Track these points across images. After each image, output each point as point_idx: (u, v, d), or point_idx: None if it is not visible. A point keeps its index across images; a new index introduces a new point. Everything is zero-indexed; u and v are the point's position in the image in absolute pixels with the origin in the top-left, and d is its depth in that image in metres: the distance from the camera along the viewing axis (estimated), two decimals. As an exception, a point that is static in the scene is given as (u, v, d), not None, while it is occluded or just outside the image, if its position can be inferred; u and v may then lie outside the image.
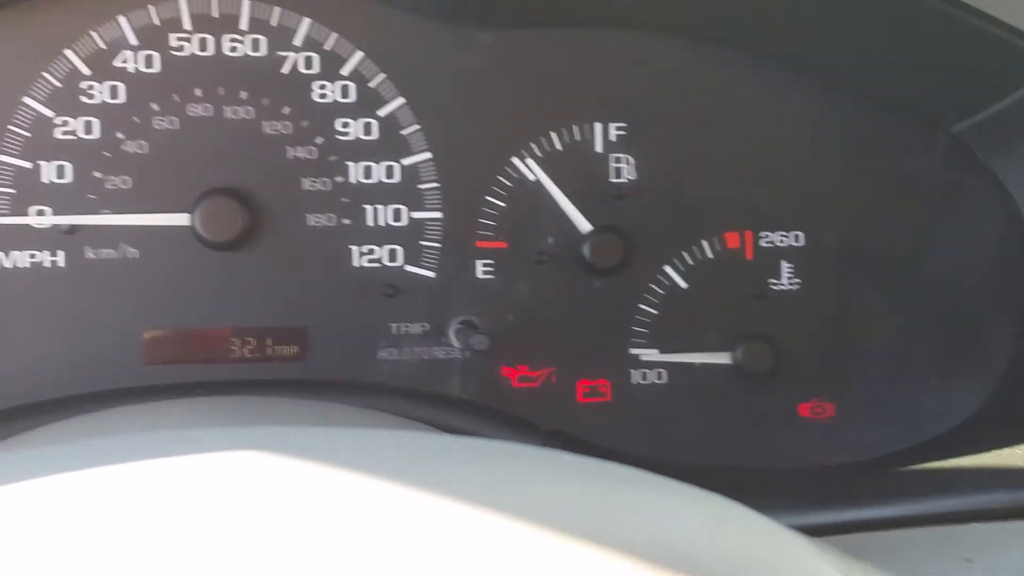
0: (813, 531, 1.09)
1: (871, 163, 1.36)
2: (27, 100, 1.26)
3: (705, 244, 1.34)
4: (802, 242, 1.35)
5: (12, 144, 1.26)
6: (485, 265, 1.32)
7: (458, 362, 1.32)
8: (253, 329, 1.30)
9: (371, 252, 1.31)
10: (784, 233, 1.35)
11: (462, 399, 1.31)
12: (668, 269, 1.33)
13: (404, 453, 0.63)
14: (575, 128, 1.33)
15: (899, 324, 1.36)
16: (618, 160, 1.33)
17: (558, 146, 1.33)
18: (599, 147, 1.33)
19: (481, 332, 1.27)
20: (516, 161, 1.32)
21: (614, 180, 1.33)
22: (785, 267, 1.35)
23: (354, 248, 1.31)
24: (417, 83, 1.31)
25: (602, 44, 1.33)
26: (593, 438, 1.30)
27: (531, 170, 1.32)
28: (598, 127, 1.33)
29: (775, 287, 1.35)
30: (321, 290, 1.31)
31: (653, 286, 1.34)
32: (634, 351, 1.34)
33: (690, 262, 1.34)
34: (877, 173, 1.36)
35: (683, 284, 1.33)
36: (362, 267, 1.31)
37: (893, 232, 1.36)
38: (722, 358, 1.34)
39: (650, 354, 1.33)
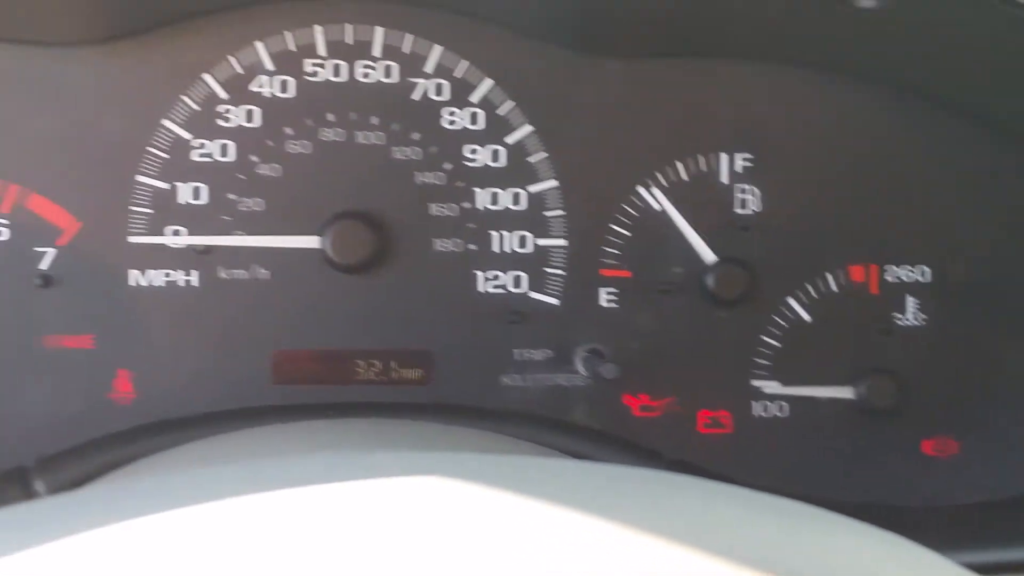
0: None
1: (1001, 197, 1.35)
2: (166, 122, 1.30)
3: (829, 277, 1.34)
4: (928, 277, 1.34)
5: (151, 165, 1.30)
6: (609, 293, 1.33)
7: (581, 390, 1.32)
8: (378, 351, 1.32)
9: (496, 278, 1.33)
10: (910, 268, 1.34)
11: (584, 426, 1.31)
12: (792, 301, 1.33)
13: (592, 484, 0.64)
14: (701, 158, 1.33)
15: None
16: (743, 191, 1.34)
17: (684, 176, 1.33)
18: (725, 178, 1.34)
19: (609, 361, 1.28)
20: (642, 190, 1.33)
21: (739, 211, 1.34)
22: (911, 302, 1.34)
23: (479, 274, 1.33)
24: (545, 111, 1.32)
25: (729, 75, 1.33)
26: (713, 468, 1.30)
27: (656, 199, 1.33)
28: (724, 158, 1.33)
29: (900, 322, 1.34)
30: (446, 314, 1.32)
31: (776, 318, 1.33)
32: (756, 383, 1.33)
33: (814, 295, 1.33)
34: (1007, 207, 1.34)
35: (807, 317, 1.33)
36: (487, 293, 1.33)
37: (1022, 266, 1.34)
38: (845, 392, 1.33)
39: (772, 386, 1.33)
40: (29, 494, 1.16)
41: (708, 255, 1.32)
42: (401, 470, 0.64)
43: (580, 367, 1.30)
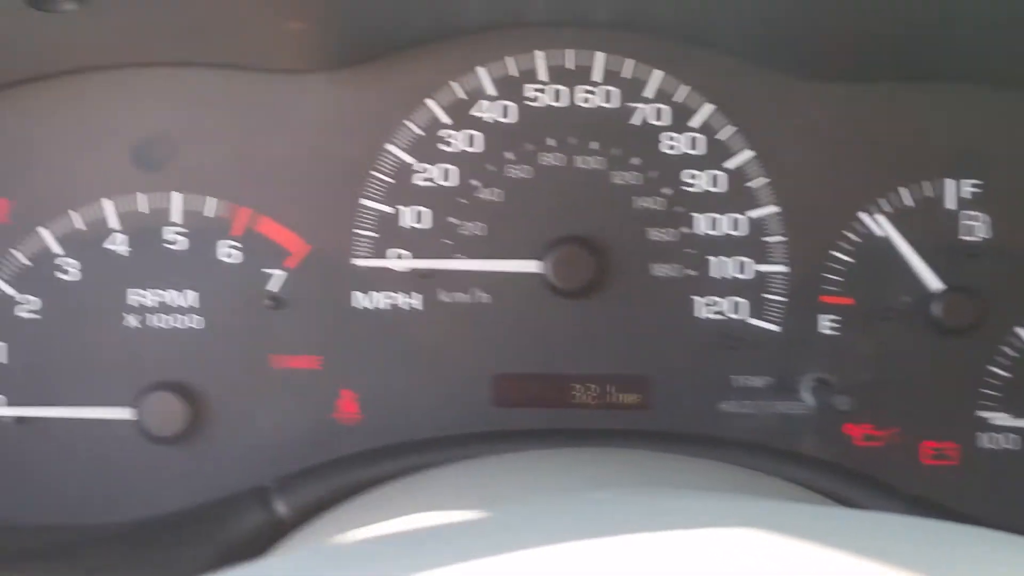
0: None
1: None
2: (390, 147, 1.32)
3: (1062, 306, 1.30)
4: None
5: (376, 190, 1.32)
6: (830, 320, 1.31)
7: (803, 418, 1.31)
8: (596, 376, 1.33)
9: (715, 304, 1.32)
10: None
11: (805, 457, 1.30)
12: (1021, 332, 1.30)
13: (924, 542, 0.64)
14: (926, 184, 1.31)
15: None
16: (970, 217, 1.31)
17: (908, 202, 1.31)
18: (951, 204, 1.31)
19: (841, 392, 1.26)
20: (864, 216, 1.31)
21: (966, 237, 1.31)
22: None
23: (698, 299, 1.32)
24: (767, 136, 1.31)
25: (956, 98, 1.31)
26: (938, 501, 1.27)
27: (880, 225, 1.31)
28: (950, 183, 1.31)
29: None
30: (664, 340, 1.32)
31: (1005, 348, 1.30)
32: (983, 414, 1.30)
33: (1046, 324, 1.30)
34: None
35: (1038, 347, 1.30)
36: (705, 318, 1.32)
37: None
38: (1080, 427, 1.29)
39: (1001, 418, 1.30)
40: (270, 514, 1.20)
41: (934, 283, 1.30)
42: (720, 520, 0.64)
43: (808, 396, 1.29)
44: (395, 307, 1.33)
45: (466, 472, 1.08)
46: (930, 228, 1.31)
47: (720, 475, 1.11)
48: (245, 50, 1.29)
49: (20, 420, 1.31)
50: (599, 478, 1.01)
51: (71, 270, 1.32)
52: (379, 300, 1.33)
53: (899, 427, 1.31)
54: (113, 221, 1.32)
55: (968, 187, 1.31)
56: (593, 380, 1.32)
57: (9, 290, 1.32)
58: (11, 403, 1.31)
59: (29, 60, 1.27)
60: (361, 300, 1.33)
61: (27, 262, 1.32)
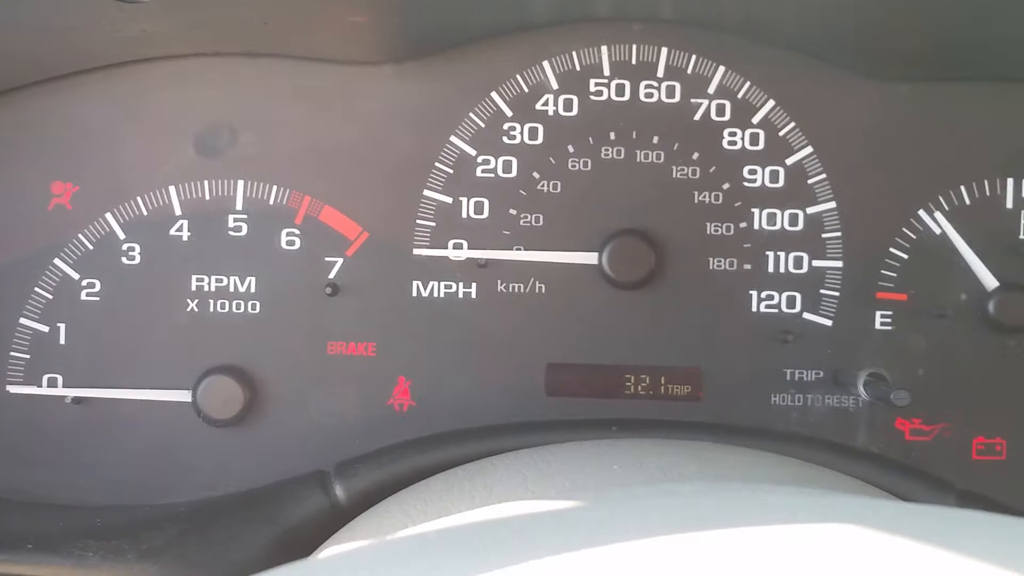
0: None
1: None
2: (454, 139, 1.34)
3: (1117, 307, 1.31)
4: None
5: (437, 180, 1.34)
6: (884, 316, 1.32)
7: (855, 412, 1.32)
8: (649, 367, 1.34)
9: (770, 298, 1.33)
10: None
11: (858, 451, 1.31)
12: (1075, 330, 1.31)
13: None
14: (986, 182, 1.32)
15: None
16: (1029, 216, 1.32)
17: (967, 200, 1.32)
18: (1010, 203, 1.32)
19: (898, 387, 1.27)
20: (922, 213, 1.32)
21: (1023, 237, 1.32)
22: None
23: (754, 293, 1.34)
24: (826, 133, 1.32)
25: (1018, 98, 1.31)
26: (986, 495, 1.28)
27: (938, 223, 1.32)
28: (1010, 182, 1.32)
29: None
30: (718, 333, 1.34)
31: (1059, 347, 1.31)
32: (1034, 411, 1.32)
33: (1100, 324, 1.31)
34: None
35: (1092, 346, 1.31)
36: (760, 312, 1.33)
37: None
38: None
39: (1051, 415, 1.31)
40: (329, 498, 1.21)
41: (990, 281, 1.31)
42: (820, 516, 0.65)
43: (863, 391, 1.30)
44: (452, 296, 1.34)
45: (528, 460, 1.09)
46: (988, 226, 1.32)
47: (777, 467, 1.12)
48: (311, 41, 1.30)
49: (78, 401, 1.33)
50: (660, 468, 1.02)
51: (134, 255, 1.34)
52: (437, 289, 1.34)
53: (949, 422, 1.32)
54: (177, 208, 1.34)
55: (1027, 187, 1.32)
56: (646, 371, 1.34)
57: (73, 273, 1.33)
58: (67, 384, 1.33)
59: (102, 48, 1.29)
60: (419, 288, 1.34)
61: (90, 246, 1.33)
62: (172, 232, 1.34)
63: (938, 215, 1.32)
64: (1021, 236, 1.32)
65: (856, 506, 0.69)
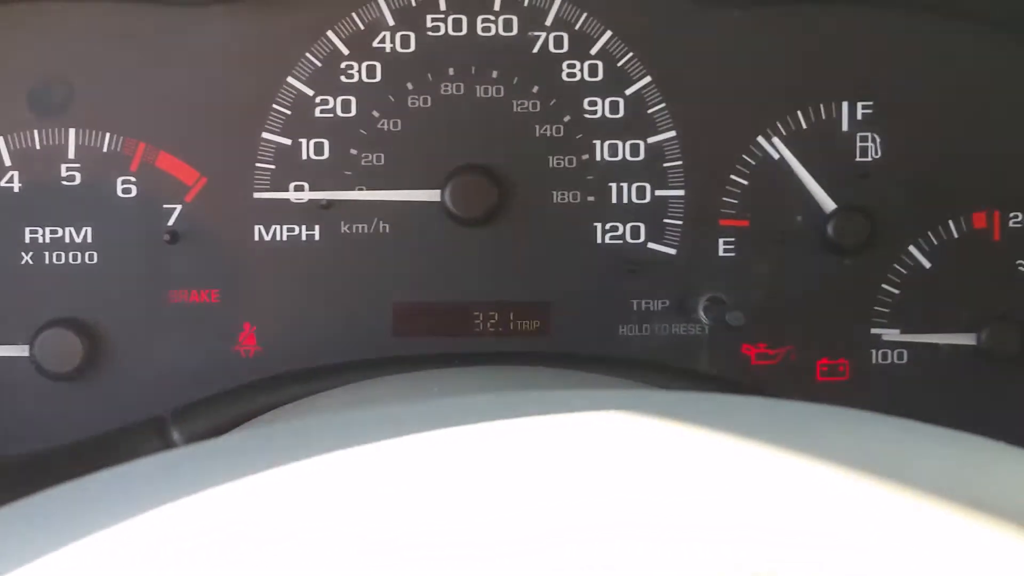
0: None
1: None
2: (290, 80, 1.31)
3: (951, 224, 1.33)
4: (1053, 222, 1.33)
5: (275, 122, 1.32)
6: (727, 243, 1.33)
7: (700, 339, 1.33)
8: (497, 303, 1.33)
9: (615, 229, 1.34)
10: (1033, 213, 1.34)
11: (701, 375, 1.32)
12: (913, 249, 1.33)
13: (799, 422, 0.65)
14: (821, 107, 1.33)
15: None
16: (864, 139, 1.33)
17: (803, 124, 1.33)
18: (845, 126, 1.33)
19: (734, 309, 1.28)
20: (761, 140, 1.33)
21: (860, 159, 1.33)
22: (1034, 248, 1.34)
23: (598, 225, 1.34)
24: (664, 61, 1.32)
25: (851, 21, 1.33)
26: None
27: (776, 148, 1.33)
28: (845, 105, 1.33)
29: (1024, 268, 1.34)
30: (565, 266, 1.34)
31: (897, 266, 1.33)
32: (875, 331, 1.33)
33: (935, 242, 1.33)
34: None
35: (927, 264, 1.33)
36: (605, 244, 1.34)
37: None
38: (967, 340, 1.32)
39: (891, 334, 1.33)
40: (167, 444, 1.19)
41: (828, 203, 1.32)
42: (584, 407, 0.64)
43: (702, 315, 1.31)
44: (295, 239, 1.32)
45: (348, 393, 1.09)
46: (825, 150, 1.33)
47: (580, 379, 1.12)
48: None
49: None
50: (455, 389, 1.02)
51: (-37, 208, 1.30)
52: (279, 233, 1.32)
53: (793, 345, 1.33)
54: (6, 158, 1.30)
55: (861, 109, 1.33)
56: (494, 308, 1.33)
57: (-100, 230, 1.29)
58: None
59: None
60: (261, 233, 1.32)
61: (-83, 200, 1.29)
62: (2, 184, 1.30)
63: (776, 140, 1.33)
64: (857, 158, 1.34)
65: (632, 396, 0.69)
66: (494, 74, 1.32)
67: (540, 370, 1.21)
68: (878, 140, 1.33)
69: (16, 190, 1.30)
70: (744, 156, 1.33)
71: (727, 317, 1.25)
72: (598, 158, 1.33)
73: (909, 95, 1.33)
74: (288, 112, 1.32)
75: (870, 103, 1.33)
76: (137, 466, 0.64)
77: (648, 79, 1.33)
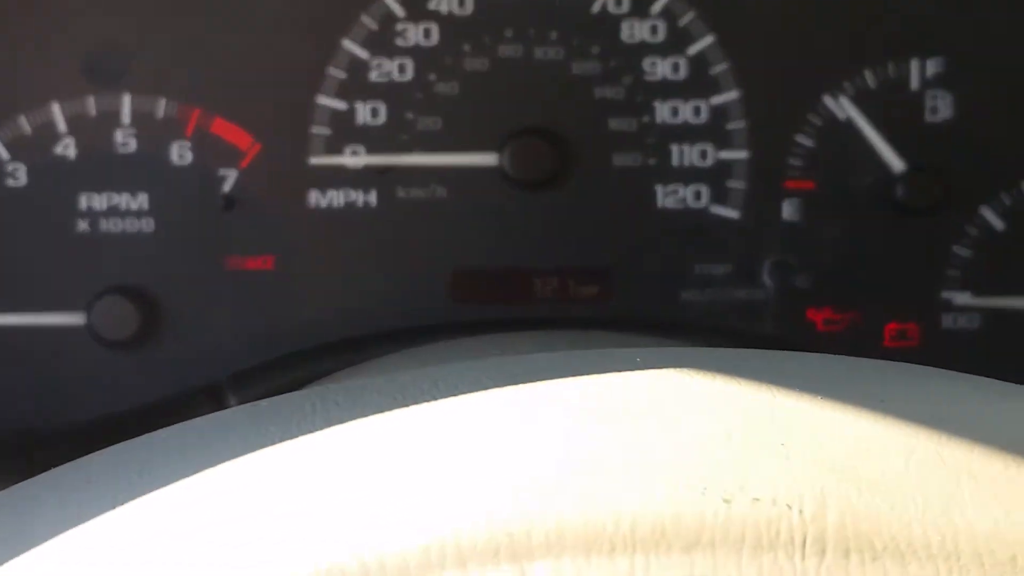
0: None
1: None
2: (345, 43, 1.29)
3: (1025, 184, 1.29)
4: None
5: (330, 86, 1.30)
6: (791, 205, 1.30)
7: (766, 304, 1.30)
8: (556, 269, 1.31)
9: (676, 192, 1.31)
10: (1114, 177, 1.29)
11: (767, 341, 1.29)
12: (985, 210, 1.29)
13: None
14: (890, 64, 1.29)
15: None
16: (935, 97, 1.29)
17: (871, 83, 1.29)
18: (915, 84, 1.29)
19: (799, 271, 1.25)
20: (827, 99, 1.29)
21: (930, 118, 1.29)
22: (1113, 211, 1.29)
23: (659, 188, 1.31)
24: (727, 20, 1.29)
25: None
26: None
27: (843, 108, 1.29)
28: (914, 63, 1.29)
29: (1102, 231, 1.29)
30: (625, 230, 1.31)
31: (968, 228, 1.29)
32: (946, 295, 1.30)
33: (1008, 203, 1.29)
34: None
35: (1001, 226, 1.29)
36: (666, 208, 1.31)
37: None
38: (1042, 303, 1.29)
39: (963, 298, 1.29)
40: (223, 407, 1.18)
41: (897, 164, 1.29)
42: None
43: (767, 279, 1.28)
44: (351, 205, 1.31)
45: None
46: (893, 109, 1.29)
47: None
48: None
49: (-30, 331, 1.29)
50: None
51: (19, 175, 1.29)
52: (335, 198, 1.31)
53: (860, 310, 1.30)
54: (61, 124, 1.29)
55: (932, 66, 1.29)
56: (553, 273, 1.31)
57: (-45, 199, 1.29)
58: (-43, 313, 1.29)
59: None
60: (317, 199, 1.31)
61: (-27, 169, 1.29)
62: (57, 151, 1.29)
63: (843, 99, 1.29)
64: (927, 117, 1.30)
65: (688, 354, 0.66)
66: (553, 35, 1.30)
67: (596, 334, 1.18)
68: (949, 98, 1.29)
69: (71, 157, 1.29)
70: (810, 116, 1.30)
71: (793, 279, 1.22)
72: (659, 120, 1.30)
73: (981, 51, 1.29)
74: (343, 76, 1.30)
75: (942, 60, 1.29)
76: (191, 425, 0.63)
77: (711, 38, 1.29)
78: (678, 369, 0.57)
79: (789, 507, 0.47)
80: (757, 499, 0.47)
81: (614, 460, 0.48)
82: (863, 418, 0.54)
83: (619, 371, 0.57)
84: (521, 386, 0.56)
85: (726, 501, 0.47)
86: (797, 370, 0.65)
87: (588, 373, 0.57)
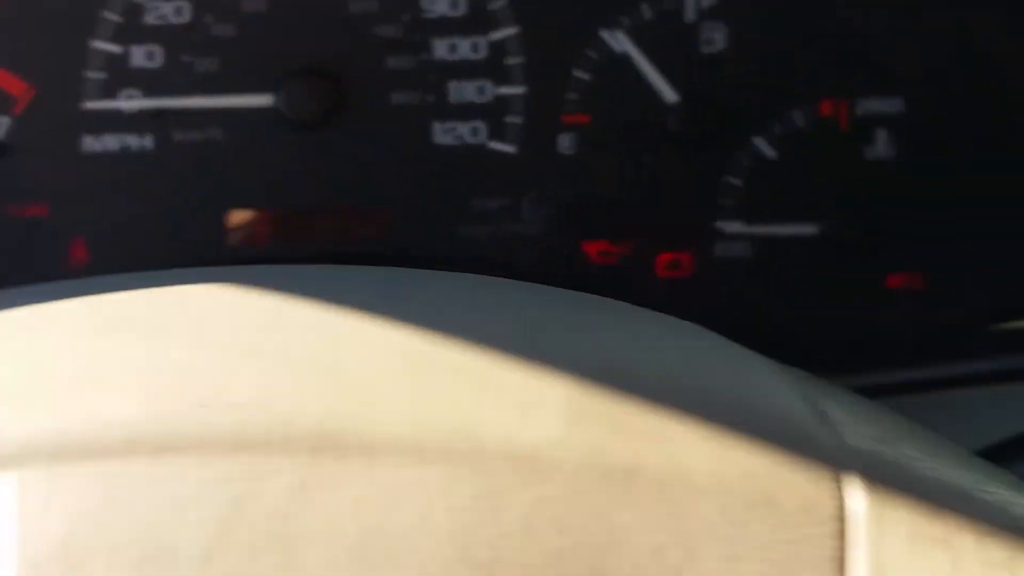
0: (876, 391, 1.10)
1: (977, 26, 1.30)
2: (118, -16, 1.28)
3: (798, 113, 1.30)
4: (900, 108, 1.30)
5: (105, 29, 1.28)
6: (569, 140, 1.31)
7: (540, 237, 1.31)
8: (335, 208, 1.31)
9: (454, 129, 1.31)
10: (881, 100, 1.30)
11: (543, 273, 1.30)
12: (757, 140, 1.30)
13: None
14: (664, -4, 1.30)
15: (1001, 192, 1.31)
16: (710, 28, 1.30)
17: (648, 16, 1.29)
18: (691, 15, 1.30)
19: (574, 206, 1.25)
20: (604, 33, 1.30)
21: (705, 50, 1.30)
22: (881, 135, 1.31)
23: (436, 125, 1.31)
24: (504, -44, 1.29)
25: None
26: (673, 313, 1.28)
27: (619, 41, 1.30)
28: (689, -6, 1.30)
29: (869, 156, 1.31)
30: (403, 168, 1.31)
31: (741, 158, 1.30)
32: (719, 224, 1.31)
33: (781, 132, 1.30)
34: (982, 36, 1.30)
35: (772, 155, 1.30)
36: (444, 144, 1.31)
37: (998, 97, 1.30)
38: (810, 229, 1.30)
39: (735, 226, 1.31)
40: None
41: (670, 95, 1.29)
42: None
43: (542, 211, 1.29)
44: (127, 149, 1.29)
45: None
46: (670, 41, 1.30)
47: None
48: None
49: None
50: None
51: None
52: (109, 142, 1.29)
53: (633, 241, 1.31)
54: None
55: (707, -2, 1.30)
56: (333, 213, 1.31)
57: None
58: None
59: None
60: (91, 144, 1.29)
61: None
62: None
63: (619, 33, 1.30)
64: (702, 49, 1.30)
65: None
66: (329, -26, 1.29)
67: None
68: (724, 29, 1.30)
69: None
70: (587, 51, 1.30)
71: (567, 214, 1.22)
72: (437, 57, 1.30)
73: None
74: (118, 19, 1.28)
75: (715, -9, 1.29)
76: None
77: (488, -26, 1.29)
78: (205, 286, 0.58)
79: (270, 412, 0.48)
80: (234, 405, 0.48)
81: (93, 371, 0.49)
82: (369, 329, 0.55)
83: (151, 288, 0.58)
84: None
85: (203, 407, 0.47)
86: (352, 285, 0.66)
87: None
